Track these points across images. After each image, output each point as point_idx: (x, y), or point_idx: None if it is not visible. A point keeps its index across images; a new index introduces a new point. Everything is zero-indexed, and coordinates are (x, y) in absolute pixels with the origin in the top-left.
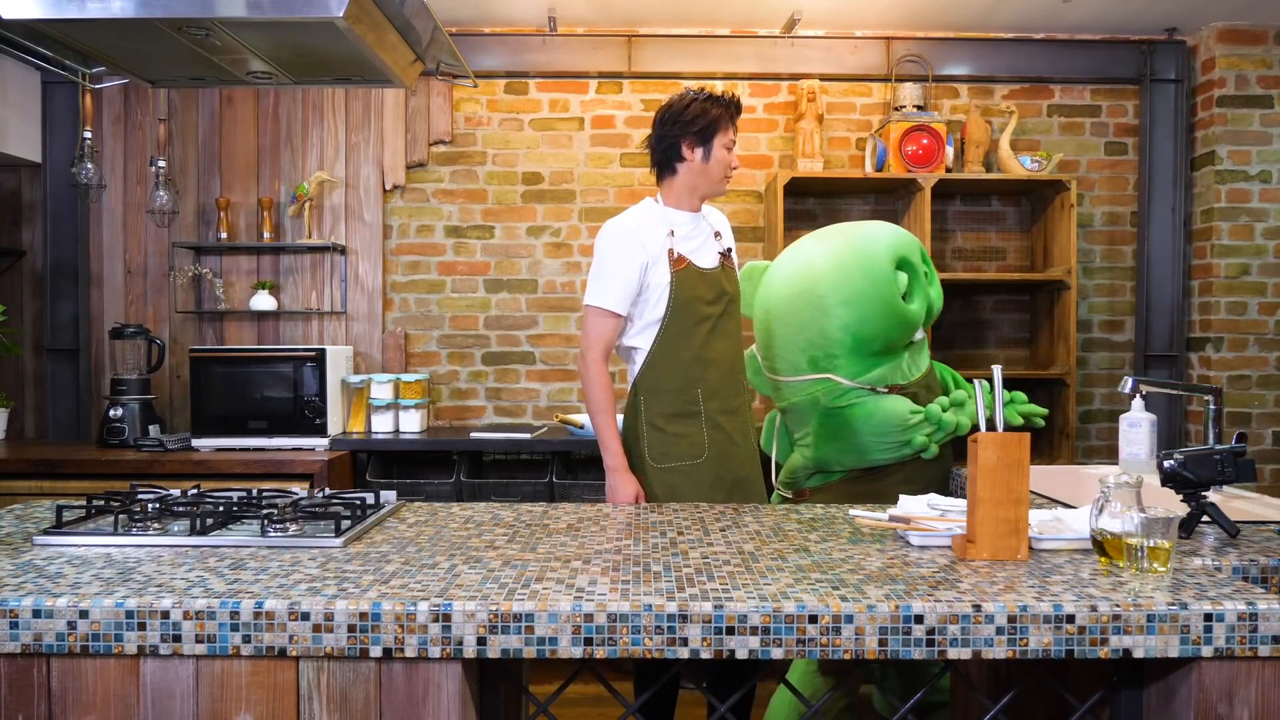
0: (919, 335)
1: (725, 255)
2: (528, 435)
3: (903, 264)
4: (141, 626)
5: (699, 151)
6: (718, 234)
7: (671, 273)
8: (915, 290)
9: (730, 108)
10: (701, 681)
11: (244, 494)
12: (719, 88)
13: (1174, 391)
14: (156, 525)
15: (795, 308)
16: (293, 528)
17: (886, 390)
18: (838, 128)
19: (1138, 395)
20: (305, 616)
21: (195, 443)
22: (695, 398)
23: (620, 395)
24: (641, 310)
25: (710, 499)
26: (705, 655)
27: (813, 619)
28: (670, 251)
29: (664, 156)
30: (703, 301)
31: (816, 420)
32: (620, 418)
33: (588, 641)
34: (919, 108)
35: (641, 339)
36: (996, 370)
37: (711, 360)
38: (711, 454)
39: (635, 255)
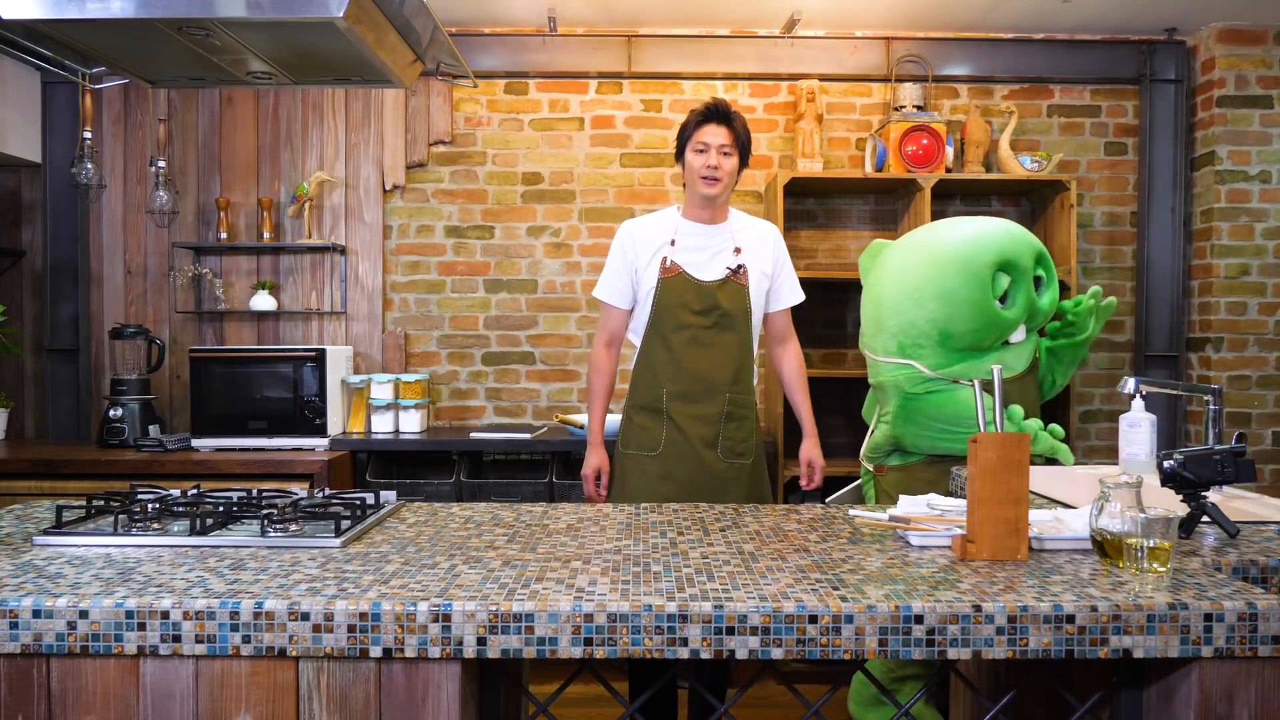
0: (1017, 337)
1: (735, 272)
2: (528, 435)
3: (1007, 266)
4: (141, 627)
5: (681, 163)
6: (737, 250)
7: (659, 279)
8: (1017, 294)
9: (698, 113)
10: (686, 678)
11: (244, 494)
12: (719, 88)
13: (1174, 392)
14: (156, 525)
15: (894, 294)
16: (293, 528)
17: (969, 384)
18: (838, 128)
19: (1138, 395)
20: (305, 616)
21: (195, 443)
22: (660, 396)
23: None
24: (638, 309)
25: (657, 489)
26: (705, 655)
27: (813, 619)
28: (664, 259)
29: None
30: (687, 310)
31: (897, 402)
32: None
33: (588, 641)
34: (919, 108)
35: (636, 335)
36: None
37: (685, 367)
38: (665, 450)
39: (627, 256)
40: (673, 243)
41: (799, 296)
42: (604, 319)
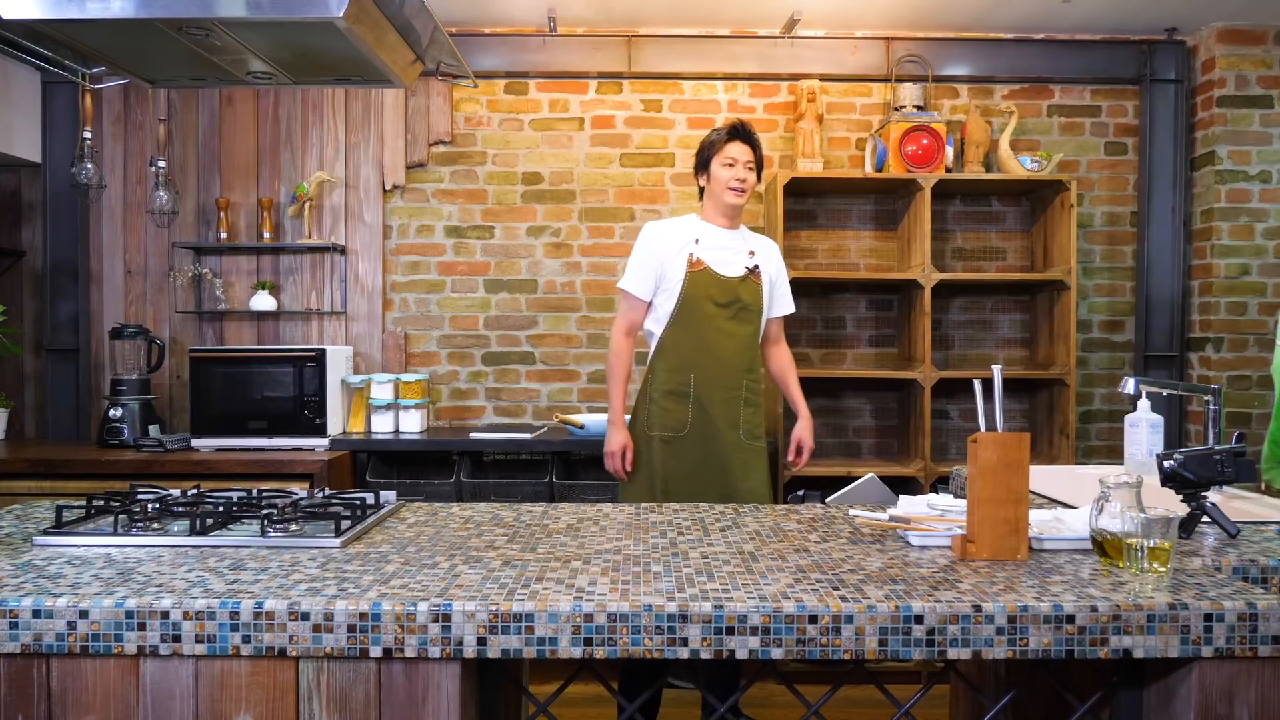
0: None
1: (752, 270)
2: (528, 435)
3: None
4: (141, 626)
5: (704, 175)
6: (752, 252)
7: (686, 272)
8: None
9: (725, 131)
10: (694, 679)
11: (244, 494)
12: (719, 88)
13: (1174, 391)
14: (156, 525)
15: None
16: (292, 528)
17: None
18: (838, 128)
19: (1143, 396)
20: (305, 616)
21: (195, 443)
22: (687, 380)
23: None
24: (660, 300)
25: (691, 472)
26: (705, 655)
27: (813, 619)
28: (690, 256)
29: (698, 183)
30: (711, 302)
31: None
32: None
33: (587, 641)
34: (919, 108)
35: (656, 325)
36: (996, 370)
37: (710, 353)
38: (692, 431)
39: (655, 251)
40: (696, 241)
41: (791, 307)
42: (626, 309)
